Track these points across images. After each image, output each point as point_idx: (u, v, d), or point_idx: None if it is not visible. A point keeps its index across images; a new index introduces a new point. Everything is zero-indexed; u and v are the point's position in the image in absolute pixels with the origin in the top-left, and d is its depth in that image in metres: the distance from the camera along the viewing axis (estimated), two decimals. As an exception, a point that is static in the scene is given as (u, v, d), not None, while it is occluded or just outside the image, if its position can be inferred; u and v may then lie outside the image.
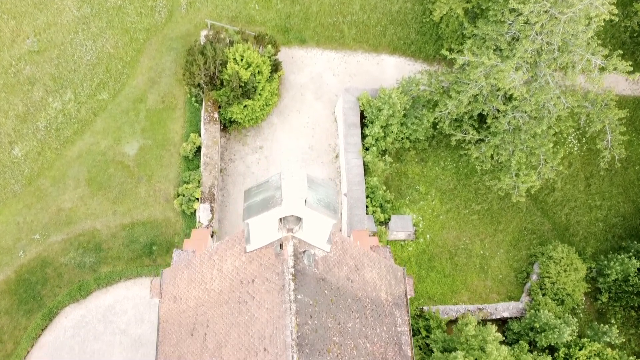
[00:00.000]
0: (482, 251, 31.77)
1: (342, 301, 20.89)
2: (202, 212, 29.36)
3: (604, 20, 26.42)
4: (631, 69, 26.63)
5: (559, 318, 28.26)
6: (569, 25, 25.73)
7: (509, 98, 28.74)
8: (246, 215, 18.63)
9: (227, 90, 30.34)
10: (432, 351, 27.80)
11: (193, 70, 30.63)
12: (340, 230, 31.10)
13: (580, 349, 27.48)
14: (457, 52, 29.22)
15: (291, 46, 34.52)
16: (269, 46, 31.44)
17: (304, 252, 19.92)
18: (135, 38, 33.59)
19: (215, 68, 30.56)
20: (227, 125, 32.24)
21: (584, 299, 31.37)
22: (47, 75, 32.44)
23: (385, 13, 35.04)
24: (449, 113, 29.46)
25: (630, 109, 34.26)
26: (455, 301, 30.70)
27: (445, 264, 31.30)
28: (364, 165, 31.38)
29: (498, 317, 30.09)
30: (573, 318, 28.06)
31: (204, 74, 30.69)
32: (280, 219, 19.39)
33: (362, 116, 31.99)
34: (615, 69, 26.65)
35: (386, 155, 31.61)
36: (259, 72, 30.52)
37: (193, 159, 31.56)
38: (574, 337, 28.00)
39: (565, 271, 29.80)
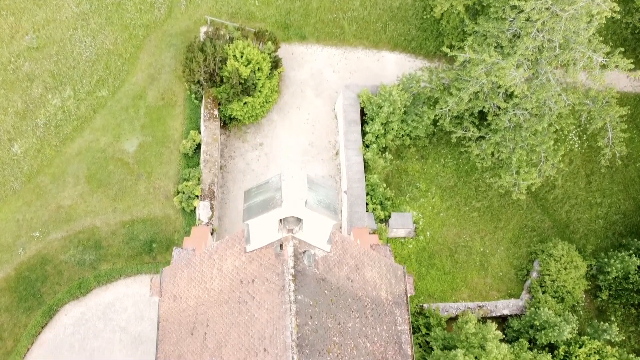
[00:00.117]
0: (482, 248, 31.75)
1: (342, 301, 20.88)
2: (202, 210, 29.32)
3: (606, 17, 26.29)
4: (633, 66, 26.55)
5: (559, 316, 28.29)
6: (570, 22, 25.63)
7: (509, 95, 28.64)
8: (246, 216, 18.59)
9: (227, 87, 30.22)
10: (432, 349, 27.82)
11: (193, 67, 30.52)
12: (341, 228, 31.07)
13: (580, 347, 27.51)
14: (458, 49, 29.08)
15: (291, 42, 34.37)
16: (269, 43, 31.30)
17: (304, 252, 19.88)
18: (134, 34, 33.44)
19: (215, 65, 30.43)
20: (227, 122, 32.14)
21: (584, 296, 31.38)
22: (46, 72, 32.31)
23: (386, 9, 34.88)
24: (449, 110, 29.38)
25: (631, 106, 34.13)
26: (455, 299, 30.71)
27: (446, 262, 31.29)
28: (364, 162, 31.30)
29: (498, 314, 30.13)
30: (573, 316, 28.08)
31: (204, 71, 30.57)
32: (281, 219, 19.35)
33: (363, 113, 31.89)
34: (616, 66, 26.55)
35: (386, 153, 31.53)
36: (259, 69, 30.40)
37: (193, 156, 31.48)
38: (574, 335, 28.04)
39: (565, 269, 29.78)
